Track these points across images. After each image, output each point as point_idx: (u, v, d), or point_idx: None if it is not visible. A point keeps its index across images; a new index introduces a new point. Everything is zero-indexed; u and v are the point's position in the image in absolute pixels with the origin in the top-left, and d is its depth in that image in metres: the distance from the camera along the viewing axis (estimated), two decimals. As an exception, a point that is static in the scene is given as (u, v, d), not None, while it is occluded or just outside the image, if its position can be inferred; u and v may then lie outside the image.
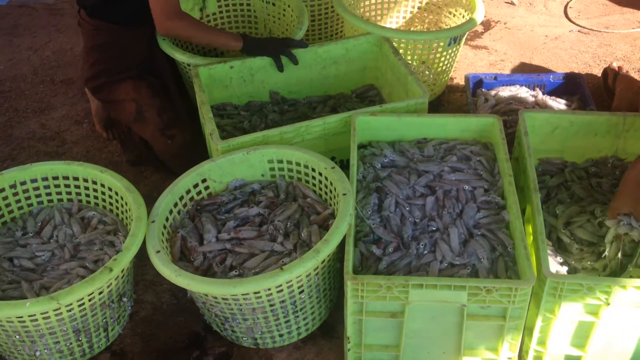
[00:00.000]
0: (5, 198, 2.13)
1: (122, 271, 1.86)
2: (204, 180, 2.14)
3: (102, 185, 2.13)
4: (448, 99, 3.06)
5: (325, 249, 1.78)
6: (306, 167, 2.14)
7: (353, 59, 2.70)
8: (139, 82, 2.51)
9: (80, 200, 2.20)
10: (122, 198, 2.07)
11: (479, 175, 2.09)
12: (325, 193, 2.11)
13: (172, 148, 2.52)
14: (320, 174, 2.10)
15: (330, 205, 2.08)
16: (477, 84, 2.84)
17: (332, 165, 2.04)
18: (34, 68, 3.38)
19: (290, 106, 2.69)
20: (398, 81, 2.56)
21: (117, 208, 2.13)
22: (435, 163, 2.15)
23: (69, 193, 2.20)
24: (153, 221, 1.95)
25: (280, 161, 2.17)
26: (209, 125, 2.25)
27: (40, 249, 2.04)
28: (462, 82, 3.12)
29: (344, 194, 1.92)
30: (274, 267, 1.89)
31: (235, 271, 1.90)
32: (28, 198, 2.17)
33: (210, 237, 2.01)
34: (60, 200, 2.21)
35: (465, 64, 3.30)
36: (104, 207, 2.18)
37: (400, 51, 2.68)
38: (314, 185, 2.15)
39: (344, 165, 2.37)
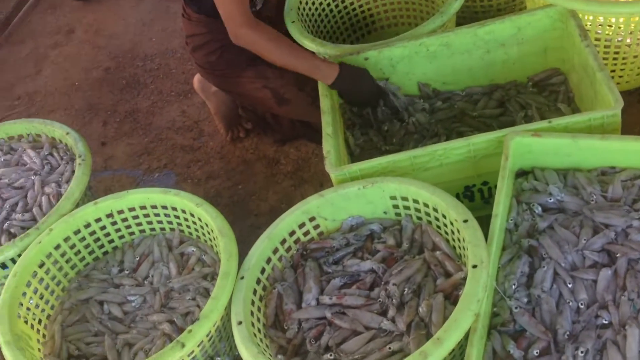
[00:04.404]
0: (103, 228, 1.93)
1: (199, 343, 1.57)
2: (311, 219, 1.75)
3: (200, 220, 1.83)
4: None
5: (435, 352, 1.32)
6: (435, 210, 1.65)
7: (528, 40, 2.07)
8: (260, 66, 2.18)
9: (182, 231, 1.93)
10: (216, 238, 1.77)
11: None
12: (460, 246, 1.60)
13: None
14: (451, 222, 1.60)
15: (465, 264, 1.58)
16: None
17: (465, 218, 1.53)
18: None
19: (445, 101, 2.16)
20: (585, 73, 1.90)
21: (217, 245, 1.83)
22: (622, 212, 1.53)
23: (170, 222, 1.94)
24: (242, 277, 1.62)
25: (405, 198, 1.70)
26: (325, 143, 1.83)
27: (133, 292, 1.82)
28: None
29: (474, 266, 1.42)
30: (377, 354, 1.47)
31: (330, 355, 1.51)
32: (128, 227, 1.96)
33: (310, 298, 1.63)
34: (162, 229, 1.96)
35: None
36: (205, 240, 1.89)
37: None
38: (446, 232, 1.65)
39: (500, 192, 1.84)
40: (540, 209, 1.61)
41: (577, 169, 1.69)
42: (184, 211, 1.87)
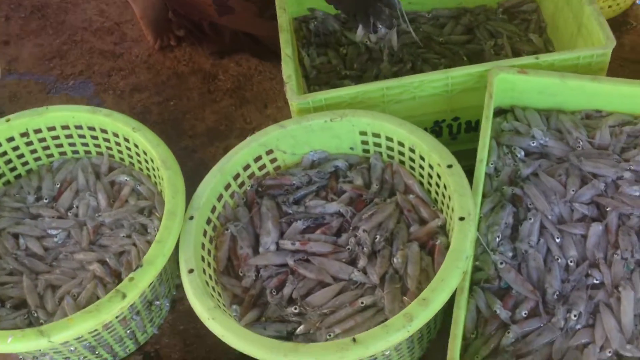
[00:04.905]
0: (15, 149, 1.64)
1: (142, 291, 1.36)
2: (269, 152, 1.54)
3: (136, 146, 1.58)
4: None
5: (421, 315, 1.18)
6: (412, 150, 1.48)
7: (502, -42, 1.89)
8: None
9: (111, 156, 1.67)
10: (157, 169, 1.53)
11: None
12: (437, 191, 1.46)
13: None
14: (430, 166, 1.44)
15: (441, 211, 1.44)
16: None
17: (449, 162, 1.37)
18: None
19: (410, 22, 1.95)
20: (567, 5, 1.75)
21: (156, 176, 1.60)
22: (612, 162, 1.42)
23: (97, 146, 1.67)
24: (192, 217, 1.41)
25: (377, 135, 1.52)
26: (285, 66, 1.60)
27: (55, 225, 1.56)
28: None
29: (461, 218, 1.28)
30: (348, 309, 1.33)
31: (295, 308, 1.35)
32: (46, 148, 1.67)
33: (269, 242, 1.45)
34: (87, 152, 1.69)
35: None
36: (140, 169, 1.64)
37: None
38: (422, 174, 1.50)
39: (471, 128, 1.70)
40: (523, 153, 1.48)
41: (560, 110, 1.56)
42: (116, 135, 1.61)
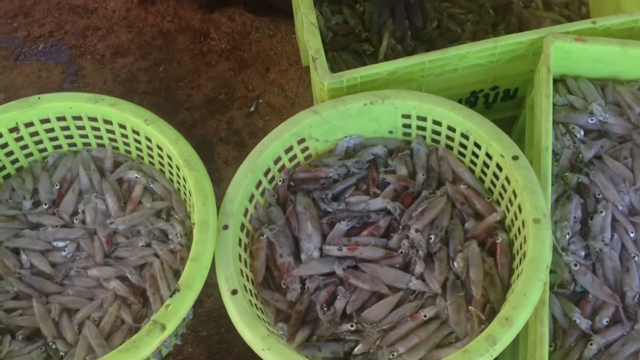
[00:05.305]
0: (4, 146, 1.42)
1: (182, 319, 1.20)
2: (301, 141, 1.37)
3: (149, 140, 1.39)
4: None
5: (505, 336, 1.07)
6: (465, 137, 1.33)
7: None
8: None
9: (115, 148, 1.47)
10: (177, 168, 1.35)
11: None
12: (493, 183, 1.32)
13: None
14: (488, 155, 1.30)
15: (498, 203, 1.31)
16: None
17: (514, 153, 1.23)
18: None
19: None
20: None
21: (170, 172, 1.41)
22: (681, 139, 1.31)
23: (98, 137, 1.46)
24: (226, 226, 1.24)
25: (423, 118, 1.36)
26: (311, 37, 1.41)
27: (60, 236, 1.37)
28: None
29: (536, 221, 1.15)
30: (409, 323, 1.21)
31: (351, 324, 1.22)
32: (39, 142, 1.46)
33: (311, 248, 1.30)
34: (86, 144, 1.48)
35: None
36: (151, 163, 1.45)
37: None
38: (474, 163, 1.36)
39: (508, 96, 1.56)
40: (582, 133, 1.35)
41: (615, 79, 1.43)
42: (122, 126, 1.40)
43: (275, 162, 1.36)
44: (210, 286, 1.33)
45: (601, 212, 1.25)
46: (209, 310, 1.55)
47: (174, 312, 1.16)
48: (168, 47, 1.95)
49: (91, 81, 1.89)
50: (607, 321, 1.16)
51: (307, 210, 1.34)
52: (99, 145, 1.47)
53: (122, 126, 1.40)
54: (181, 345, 1.51)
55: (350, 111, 1.35)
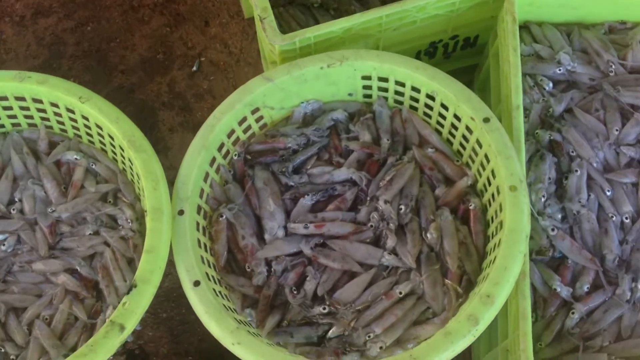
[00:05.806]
0: None
1: (141, 317, 1.11)
2: (254, 110, 1.27)
3: (85, 119, 1.25)
4: None
5: (487, 314, 1.03)
6: (431, 97, 1.25)
7: None
8: None
9: (49, 127, 1.33)
10: (121, 149, 1.23)
11: None
12: (462, 145, 1.25)
13: None
14: (457, 117, 1.22)
15: (469, 166, 1.25)
16: None
17: (485, 115, 1.16)
18: None
19: None
20: None
21: (113, 151, 1.29)
22: (651, 89, 1.27)
23: (29, 117, 1.32)
24: (182, 211, 1.15)
25: (385, 79, 1.27)
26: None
27: (-2, 228, 1.25)
28: None
29: (512, 188, 1.10)
30: (384, 302, 1.15)
31: (323, 307, 1.16)
32: (-40, 126, 1.31)
33: (275, 227, 1.22)
34: (15, 124, 1.34)
35: None
36: (91, 141, 1.32)
37: None
38: (442, 124, 1.28)
39: (468, 44, 1.49)
40: (551, 85, 1.29)
41: (580, 23, 1.36)
42: (55, 105, 1.26)
43: (229, 135, 1.25)
44: (168, 264, 1.22)
45: (576, 171, 1.20)
46: (167, 290, 1.46)
47: (132, 311, 1.07)
48: (94, 3, 1.78)
49: (12, 46, 1.72)
50: (587, 287, 1.13)
51: (268, 186, 1.25)
52: (30, 125, 1.33)
53: (55, 104, 1.26)
54: (141, 330, 1.43)
55: (306, 76, 1.25)
